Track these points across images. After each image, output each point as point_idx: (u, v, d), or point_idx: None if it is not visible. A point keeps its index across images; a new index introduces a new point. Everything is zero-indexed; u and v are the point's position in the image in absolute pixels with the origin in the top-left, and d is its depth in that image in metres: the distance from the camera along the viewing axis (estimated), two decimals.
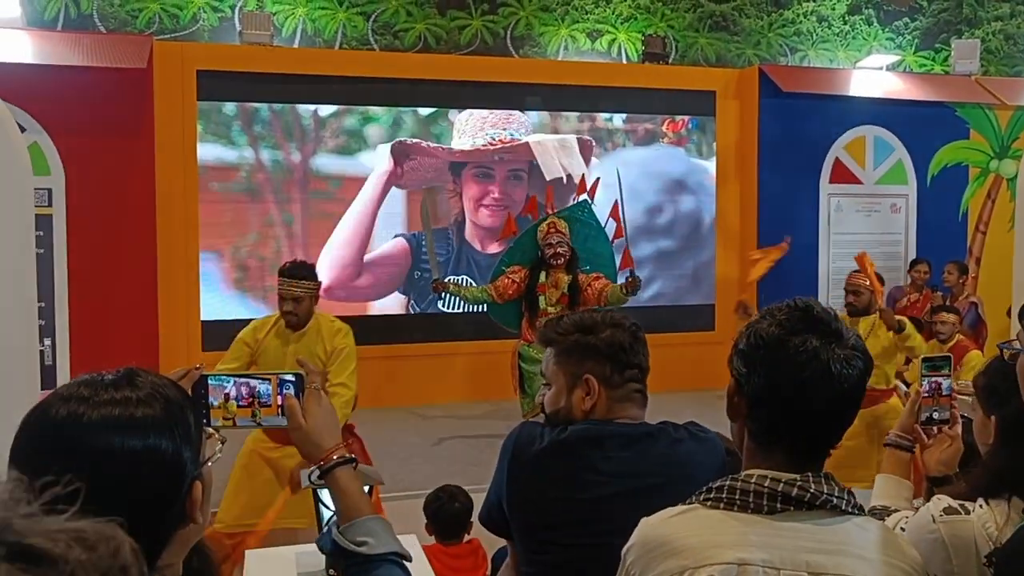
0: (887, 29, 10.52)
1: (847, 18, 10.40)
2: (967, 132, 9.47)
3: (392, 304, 8.33)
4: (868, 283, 5.51)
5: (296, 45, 8.65)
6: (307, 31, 8.75)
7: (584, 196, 6.40)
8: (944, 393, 1.95)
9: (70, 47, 7.23)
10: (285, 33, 8.65)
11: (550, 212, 6.43)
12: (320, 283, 4.38)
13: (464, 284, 6.36)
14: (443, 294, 6.19)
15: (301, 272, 4.24)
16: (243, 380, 1.52)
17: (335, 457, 1.48)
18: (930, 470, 1.93)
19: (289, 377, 1.52)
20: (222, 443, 1.29)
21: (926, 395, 1.95)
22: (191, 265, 7.71)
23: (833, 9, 10.35)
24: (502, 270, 6.24)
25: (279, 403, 1.51)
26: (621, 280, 6.05)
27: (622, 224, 6.17)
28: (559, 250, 5.92)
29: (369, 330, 7.41)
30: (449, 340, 8.17)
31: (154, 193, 7.44)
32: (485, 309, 6.52)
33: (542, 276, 5.97)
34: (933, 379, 1.95)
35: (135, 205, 7.34)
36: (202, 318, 7.73)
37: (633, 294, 5.76)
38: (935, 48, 10.63)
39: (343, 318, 4.45)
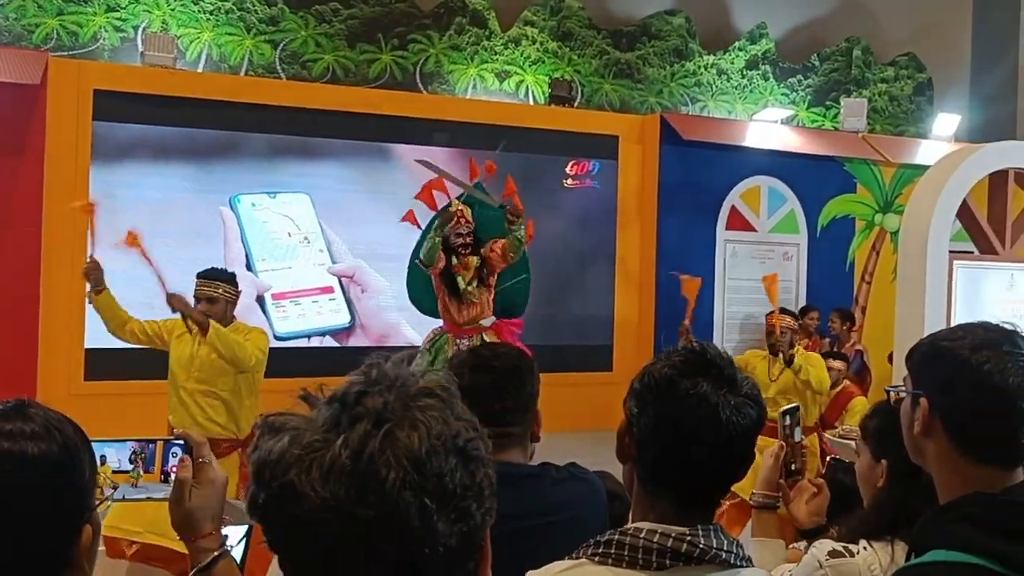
0: (782, 85, 10.98)
1: (745, 72, 10.81)
2: (854, 186, 9.92)
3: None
4: (782, 323, 5.70)
5: (200, 69, 8.47)
6: (212, 56, 8.58)
7: (478, 179, 6.48)
8: (798, 440, 1.93)
9: None
10: (190, 57, 8.46)
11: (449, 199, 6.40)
12: (239, 290, 4.38)
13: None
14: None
15: (216, 274, 4.30)
16: (126, 443, 1.42)
17: (213, 550, 1.36)
18: (803, 523, 1.90)
19: (178, 442, 1.43)
20: (114, 488, 1.22)
21: (801, 445, 1.93)
22: (77, 290, 7.37)
23: (732, 63, 10.75)
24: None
25: (164, 469, 1.42)
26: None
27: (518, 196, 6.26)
28: (467, 240, 6.06)
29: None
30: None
31: (41, 213, 7.12)
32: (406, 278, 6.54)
33: (453, 259, 6.11)
34: (792, 429, 1.92)
35: (19, 224, 7.01)
36: (86, 346, 7.38)
37: (515, 223, 5.80)
38: (826, 105, 11.14)
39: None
